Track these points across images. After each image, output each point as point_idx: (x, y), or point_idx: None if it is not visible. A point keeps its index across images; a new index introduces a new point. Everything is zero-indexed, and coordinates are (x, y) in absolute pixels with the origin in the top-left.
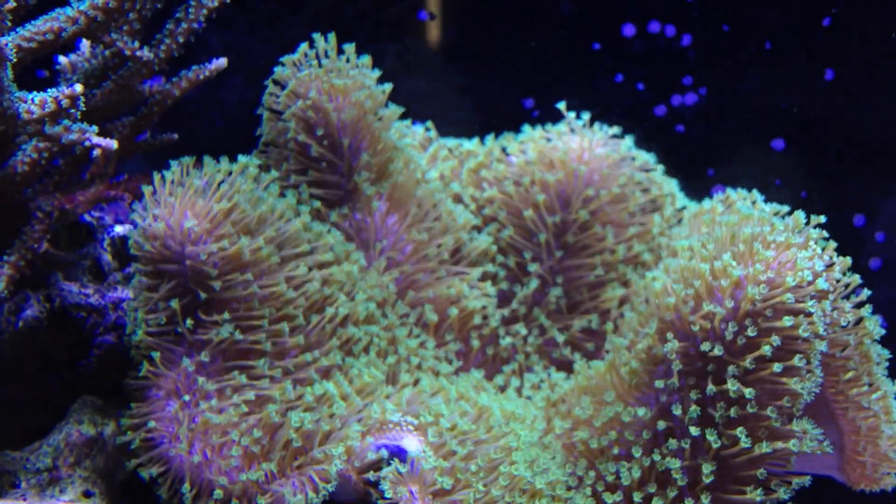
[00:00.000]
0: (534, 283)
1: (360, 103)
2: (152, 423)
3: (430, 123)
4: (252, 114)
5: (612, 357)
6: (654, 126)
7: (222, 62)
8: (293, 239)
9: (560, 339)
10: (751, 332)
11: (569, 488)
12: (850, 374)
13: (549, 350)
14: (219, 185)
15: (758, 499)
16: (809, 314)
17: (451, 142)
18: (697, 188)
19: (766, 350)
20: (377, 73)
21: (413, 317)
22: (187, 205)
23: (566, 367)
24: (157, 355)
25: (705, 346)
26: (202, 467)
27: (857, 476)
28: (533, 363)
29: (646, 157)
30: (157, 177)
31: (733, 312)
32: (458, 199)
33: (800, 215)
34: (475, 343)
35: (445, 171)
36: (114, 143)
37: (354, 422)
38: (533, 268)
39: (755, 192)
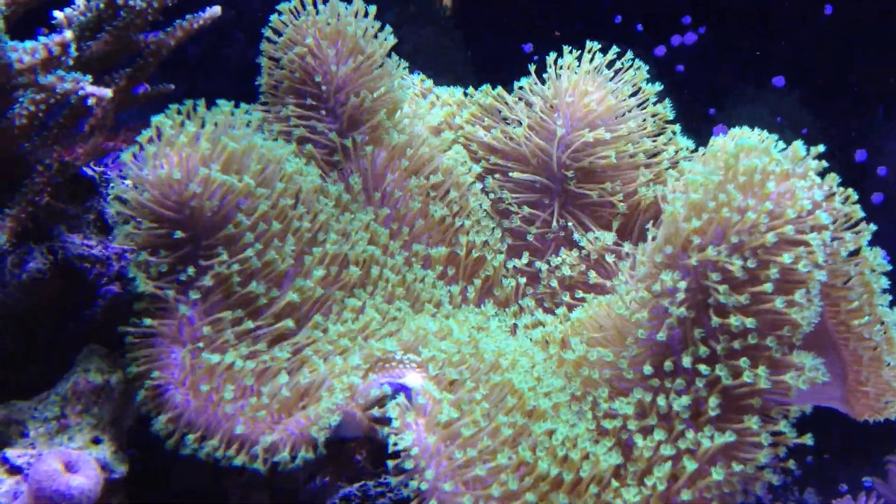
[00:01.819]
0: (536, 230)
1: (360, 50)
2: (157, 372)
3: (424, 76)
4: (254, 70)
5: (616, 293)
6: (654, 67)
7: (216, 10)
8: (290, 184)
9: (563, 283)
10: (751, 263)
11: (572, 414)
12: (851, 305)
13: (550, 293)
14: (217, 131)
15: (755, 426)
16: (809, 244)
17: (451, 90)
18: (699, 129)
19: (766, 282)
20: (377, 23)
21: (413, 258)
22: (185, 152)
23: (567, 309)
24: (159, 303)
25: (706, 280)
26: (208, 411)
27: (860, 407)
28: (533, 307)
29: (651, 95)
30: (153, 125)
31: (734, 245)
32: (457, 147)
33: (799, 146)
34: (477, 283)
35: (445, 117)
36: (108, 92)
37: (357, 360)
38: (536, 214)
39: (758, 130)
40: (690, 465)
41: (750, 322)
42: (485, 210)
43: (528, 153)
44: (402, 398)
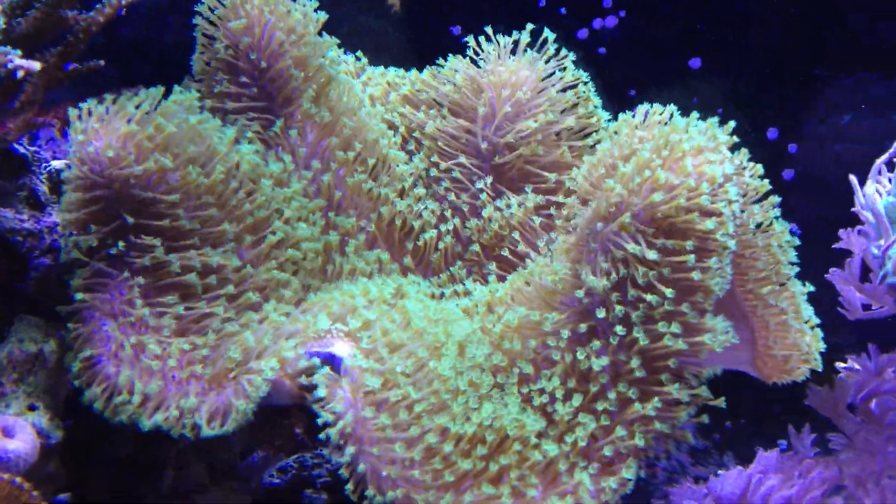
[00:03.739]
0: (464, 206)
1: (293, 28)
2: (89, 345)
3: (360, 53)
4: (187, 52)
5: (538, 263)
6: (577, 50)
7: None
8: (223, 161)
9: (489, 250)
10: (666, 234)
11: (495, 386)
12: (759, 274)
13: (478, 263)
14: (148, 109)
15: (674, 393)
16: (720, 215)
17: (383, 69)
18: (620, 109)
19: (682, 251)
20: (312, 2)
21: (345, 233)
22: (118, 129)
23: (494, 280)
24: (90, 278)
25: (625, 250)
26: (141, 382)
27: (768, 370)
28: (463, 276)
29: (576, 78)
30: (86, 105)
31: (649, 217)
32: (389, 124)
33: (713, 123)
34: (408, 252)
35: (377, 95)
36: (36, 65)
37: (288, 332)
38: (463, 189)
39: (671, 106)
40: (610, 424)
41: (669, 292)
42: (415, 183)
43: (455, 132)
44: (328, 368)
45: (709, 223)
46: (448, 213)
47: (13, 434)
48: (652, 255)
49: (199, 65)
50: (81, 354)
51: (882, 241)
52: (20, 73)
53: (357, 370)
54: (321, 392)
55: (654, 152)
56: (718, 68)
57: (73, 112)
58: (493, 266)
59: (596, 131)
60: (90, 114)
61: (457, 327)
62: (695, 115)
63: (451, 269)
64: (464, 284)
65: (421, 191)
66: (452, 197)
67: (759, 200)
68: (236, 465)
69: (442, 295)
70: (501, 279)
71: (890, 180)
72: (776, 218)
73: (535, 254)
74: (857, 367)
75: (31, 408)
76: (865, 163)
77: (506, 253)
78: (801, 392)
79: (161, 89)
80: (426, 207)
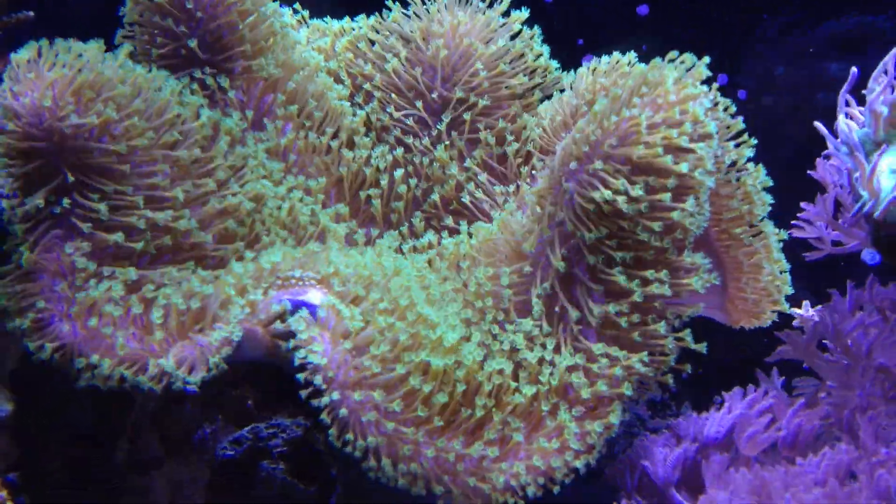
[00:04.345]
0: (417, 157)
1: None
2: (40, 304)
3: (298, 6)
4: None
5: (505, 214)
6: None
7: None
8: (166, 113)
9: (446, 202)
10: (645, 172)
11: (467, 322)
12: (733, 213)
13: (436, 216)
14: (88, 59)
15: (662, 330)
16: (700, 153)
17: (329, 21)
18: (568, 58)
19: (663, 190)
20: None
21: (299, 185)
22: (51, 79)
23: (454, 233)
24: (36, 237)
25: (603, 189)
26: (98, 339)
27: (738, 313)
28: (422, 229)
29: (524, 28)
30: (15, 57)
31: (627, 155)
32: (336, 76)
33: (691, 57)
34: (364, 208)
35: (324, 47)
36: None
37: (253, 278)
38: (416, 142)
39: (631, 54)
40: (590, 366)
41: (657, 226)
42: (366, 134)
43: (403, 85)
44: (305, 312)
45: (689, 161)
46: (402, 163)
47: None
48: (637, 191)
49: (130, 16)
50: (32, 315)
51: (858, 173)
52: None
53: (334, 315)
54: (300, 336)
55: (631, 91)
56: (667, 15)
57: (8, 68)
58: (449, 220)
59: (544, 80)
60: (22, 64)
61: (426, 280)
62: (673, 53)
63: (412, 220)
64: (423, 236)
65: (372, 142)
66: (403, 148)
67: (734, 138)
68: (192, 437)
69: (409, 249)
70: (456, 232)
71: (861, 112)
72: (750, 158)
73: (492, 203)
74: (811, 312)
75: None
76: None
77: (466, 200)
78: (757, 340)
79: (101, 40)
80: (381, 157)
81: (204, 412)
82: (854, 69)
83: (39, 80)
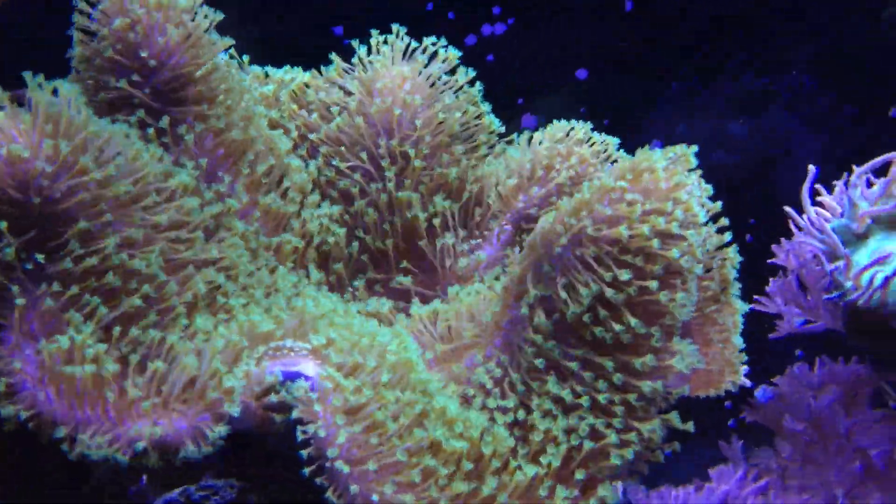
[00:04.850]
0: (368, 212)
1: (185, 23)
2: (12, 368)
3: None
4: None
5: (475, 291)
6: (465, 55)
7: None
8: (138, 169)
9: (401, 268)
10: (633, 256)
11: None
12: (709, 293)
13: (386, 273)
14: (58, 108)
15: (650, 412)
16: (691, 241)
17: (266, 69)
18: (507, 116)
19: (652, 277)
20: None
21: (263, 244)
22: (28, 129)
23: (404, 296)
24: (5, 296)
25: (584, 280)
26: (74, 411)
27: (697, 383)
28: (382, 292)
29: (468, 84)
30: None
31: (615, 238)
32: (281, 126)
33: (682, 147)
34: (333, 270)
35: (267, 95)
36: None
37: (245, 348)
38: (363, 193)
39: (586, 124)
40: (587, 445)
41: (635, 321)
42: (312, 190)
43: (347, 140)
44: (305, 384)
45: (679, 248)
46: (348, 219)
47: None
48: (625, 276)
49: (79, 61)
50: (4, 379)
51: (840, 262)
52: None
53: (332, 384)
54: (304, 410)
55: (618, 176)
56: (603, 78)
57: None
58: (402, 278)
59: (489, 139)
60: None
61: (411, 345)
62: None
63: (359, 280)
64: (367, 302)
65: (317, 198)
66: (347, 204)
67: (713, 220)
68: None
69: (388, 314)
70: (418, 295)
71: (836, 202)
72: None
73: (446, 260)
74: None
75: None
76: None
77: (411, 260)
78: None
79: (76, 88)
80: (328, 215)
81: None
82: (812, 167)
83: (15, 129)
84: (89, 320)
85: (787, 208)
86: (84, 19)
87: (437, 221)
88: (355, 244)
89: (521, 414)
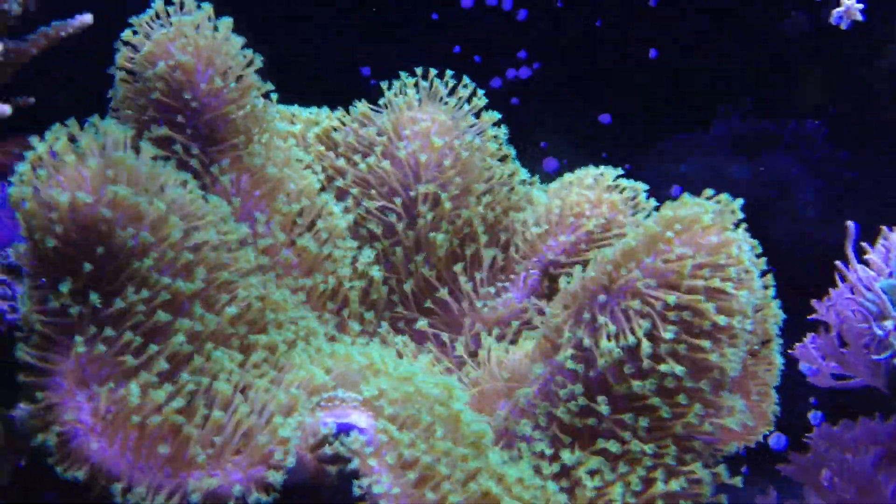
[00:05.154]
0: (397, 253)
1: (228, 67)
2: (64, 417)
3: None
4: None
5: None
6: (490, 98)
7: (87, 18)
8: (192, 211)
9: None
10: (686, 315)
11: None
12: (750, 348)
13: (414, 319)
14: (114, 151)
15: (699, 470)
16: (742, 300)
17: (296, 109)
18: (531, 159)
19: (702, 336)
20: (242, 39)
21: (296, 288)
22: (85, 174)
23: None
24: (57, 340)
25: (633, 334)
26: (128, 461)
27: (734, 435)
28: (407, 332)
29: (493, 126)
30: (45, 144)
31: (667, 298)
32: (307, 166)
33: (727, 198)
34: (366, 312)
35: (294, 133)
36: (7, 108)
37: (303, 397)
38: (391, 235)
39: (616, 169)
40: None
41: (679, 370)
42: (346, 232)
43: (376, 181)
44: (361, 437)
45: (732, 307)
46: (378, 261)
47: None
48: (670, 334)
49: (120, 102)
50: (56, 428)
51: (889, 322)
52: None
53: (386, 437)
54: (360, 463)
55: (665, 225)
56: (627, 124)
57: (31, 155)
58: (425, 320)
59: (511, 181)
60: (54, 155)
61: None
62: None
63: (385, 321)
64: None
65: (350, 240)
66: (380, 244)
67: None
68: None
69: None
70: (443, 337)
71: (883, 258)
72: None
73: (472, 303)
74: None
75: None
76: None
77: (436, 302)
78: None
79: (127, 129)
80: (358, 257)
81: None
82: (850, 223)
83: (75, 173)
84: (144, 368)
85: (838, 263)
86: (125, 61)
87: (462, 264)
88: (384, 287)
89: (564, 467)
